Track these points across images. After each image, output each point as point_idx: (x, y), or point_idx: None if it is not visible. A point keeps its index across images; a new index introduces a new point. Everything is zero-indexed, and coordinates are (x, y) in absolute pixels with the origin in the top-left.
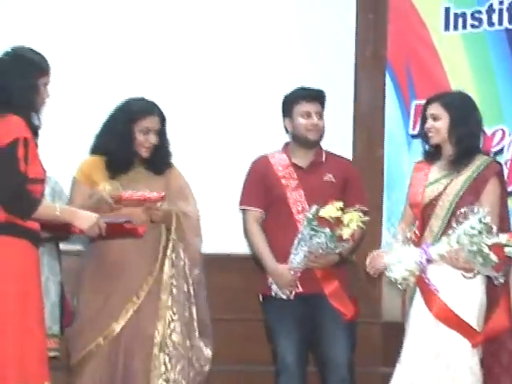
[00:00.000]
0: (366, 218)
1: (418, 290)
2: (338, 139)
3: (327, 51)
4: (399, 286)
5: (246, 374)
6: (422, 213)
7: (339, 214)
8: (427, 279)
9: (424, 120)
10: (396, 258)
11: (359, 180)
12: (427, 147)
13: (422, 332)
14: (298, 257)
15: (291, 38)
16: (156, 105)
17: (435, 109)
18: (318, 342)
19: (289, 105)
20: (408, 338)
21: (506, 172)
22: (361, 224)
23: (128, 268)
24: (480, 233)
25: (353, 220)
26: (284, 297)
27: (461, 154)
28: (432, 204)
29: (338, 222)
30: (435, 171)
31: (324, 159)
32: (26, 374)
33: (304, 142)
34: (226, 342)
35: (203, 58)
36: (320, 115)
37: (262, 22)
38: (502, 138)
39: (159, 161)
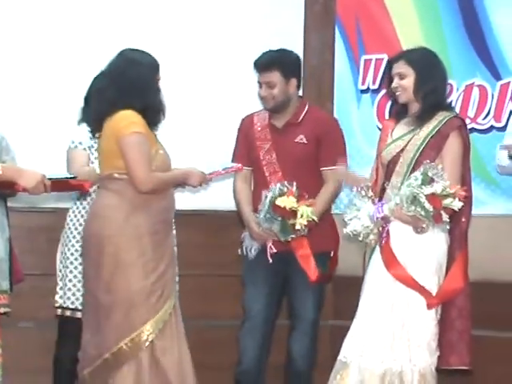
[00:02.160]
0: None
1: (377, 246)
2: None
3: (277, 6)
4: (359, 238)
5: (207, 329)
6: (386, 169)
7: (294, 206)
8: (385, 236)
9: (389, 78)
10: (353, 213)
11: (334, 139)
12: (394, 104)
13: (379, 288)
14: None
15: None
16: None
17: (401, 67)
18: (289, 297)
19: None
20: (365, 293)
21: None
22: (312, 218)
23: None
24: (421, 184)
25: (304, 215)
26: (251, 255)
27: (425, 109)
28: (394, 160)
29: (293, 212)
30: (400, 128)
31: (301, 119)
32: None
33: (265, 109)
34: (187, 298)
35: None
36: (272, 85)
37: None
38: (451, 93)
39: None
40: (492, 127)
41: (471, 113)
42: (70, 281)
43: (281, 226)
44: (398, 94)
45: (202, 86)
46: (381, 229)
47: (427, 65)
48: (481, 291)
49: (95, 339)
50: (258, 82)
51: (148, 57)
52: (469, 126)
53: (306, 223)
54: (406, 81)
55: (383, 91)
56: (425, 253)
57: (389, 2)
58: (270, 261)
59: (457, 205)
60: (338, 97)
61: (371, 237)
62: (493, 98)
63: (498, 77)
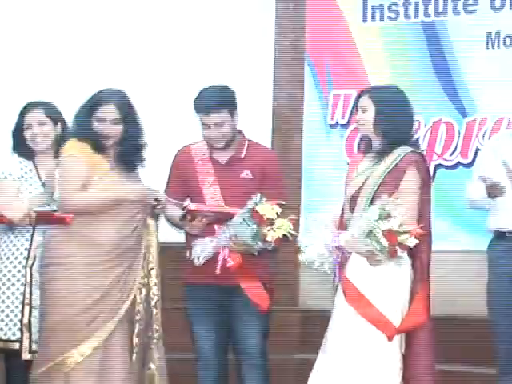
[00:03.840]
0: (280, 210)
1: None
2: (257, 128)
3: (247, 40)
4: (313, 266)
5: (169, 363)
6: (350, 205)
7: (274, 217)
8: (337, 267)
9: (357, 111)
10: (310, 240)
11: (277, 173)
12: (361, 139)
13: (344, 321)
14: (223, 236)
15: (212, 26)
16: (118, 94)
17: (364, 101)
18: (233, 330)
19: (195, 111)
20: (331, 326)
21: None
22: (288, 234)
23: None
24: (378, 219)
25: (281, 227)
26: (198, 262)
27: (385, 145)
28: (356, 195)
29: (269, 223)
30: (365, 162)
31: (244, 154)
32: None
33: (212, 147)
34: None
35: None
36: (220, 124)
37: (186, 11)
38: (418, 129)
39: (125, 157)
40: (459, 163)
41: (438, 149)
42: (3, 311)
43: (253, 233)
44: (359, 127)
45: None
46: (336, 259)
47: (389, 101)
48: (450, 326)
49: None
50: (203, 124)
51: (101, 93)
52: (436, 162)
53: (280, 235)
54: (366, 114)
55: (352, 126)
56: (389, 288)
57: (358, 39)
58: (218, 272)
59: (412, 242)
60: (306, 132)
61: (326, 266)
62: (459, 134)
63: (464, 114)
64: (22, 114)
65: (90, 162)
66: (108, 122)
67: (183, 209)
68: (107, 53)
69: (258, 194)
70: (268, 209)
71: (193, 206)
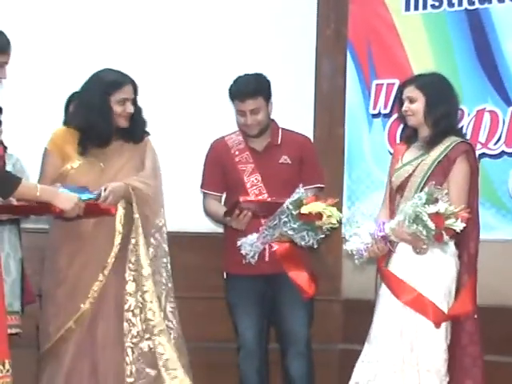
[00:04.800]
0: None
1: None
2: (300, 118)
3: (289, 30)
4: (356, 260)
5: (208, 352)
6: (396, 194)
7: (321, 208)
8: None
9: (400, 102)
10: (354, 230)
11: (314, 157)
12: (405, 129)
13: (389, 312)
14: (268, 234)
15: (254, 17)
16: (126, 74)
17: (411, 91)
18: (279, 318)
19: (230, 99)
20: (376, 317)
21: None
22: (338, 218)
23: (98, 242)
24: (424, 203)
25: (333, 214)
26: (252, 260)
27: (436, 134)
28: (402, 185)
29: (318, 215)
30: (411, 152)
31: (280, 140)
32: None
33: (247, 135)
34: (188, 320)
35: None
36: (256, 111)
37: (224, 2)
38: (462, 118)
39: (137, 129)
40: (503, 152)
41: (482, 138)
42: None
43: (312, 230)
44: (407, 117)
45: (198, 107)
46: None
47: (437, 89)
48: (494, 316)
49: None
50: (238, 111)
51: (112, 75)
52: (480, 151)
53: (335, 222)
54: (415, 105)
55: (394, 116)
56: (435, 278)
57: (400, 27)
58: (267, 259)
59: (459, 225)
60: (349, 121)
61: (365, 254)
62: (504, 123)
63: (509, 102)
64: (68, 104)
65: (64, 153)
66: (129, 101)
67: (234, 204)
68: (125, 46)
69: (300, 191)
70: (312, 205)
71: (248, 198)
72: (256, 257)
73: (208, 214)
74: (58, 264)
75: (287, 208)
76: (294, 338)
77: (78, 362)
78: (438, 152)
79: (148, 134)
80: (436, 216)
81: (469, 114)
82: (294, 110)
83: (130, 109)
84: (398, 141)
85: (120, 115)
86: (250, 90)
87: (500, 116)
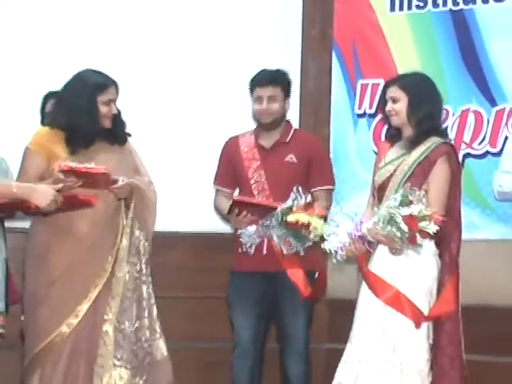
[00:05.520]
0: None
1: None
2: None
3: (275, 31)
4: (333, 259)
5: (203, 351)
6: (378, 194)
7: (307, 220)
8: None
9: (384, 103)
10: (333, 229)
11: (323, 159)
12: (389, 129)
13: (370, 311)
14: (262, 229)
15: (240, 18)
16: (109, 75)
17: (394, 91)
18: (278, 318)
19: (250, 89)
20: (357, 317)
21: None
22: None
23: (97, 243)
24: (398, 205)
25: (317, 228)
26: (250, 250)
27: (419, 134)
28: (384, 185)
29: (305, 225)
30: (394, 151)
31: (289, 139)
32: None
33: (260, 125)
34: (184, 320)
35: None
36: (273, 99)
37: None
38: (446, 118)
39: (120, 130)
40: (487, 152)
41: (467, 138)
42: None
43: (297, 238)
44: (391, 118)
45: (192, 107)
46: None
47: (420, 89)
48: (476, 315)
49: None
50: (257, 97)
51: (97, 77)
52: (464, 151)
53: (318, 234)
54: (398, 105)
55: (380, 116)
56: (415, 278)
57: (385, 28)
58: (265, 252)
59: (432, 228)
60: (334, 121)
61: (342, 253)
62: (488, 123)
63: (493, 103)
64: (43, 104)
65: (47, 153)
66: (113, 102)
67: (232, 203)
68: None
69: (294, 196)
70: (298, 216)
71: (241, 198)
72: (253, 248)
73: (216, 210)
74: (49, 263)
75: (277, 214)
76: (293, 338)
77: (73, 361)
78: (418, 152)
79: (129, 135)
80: (409, 218)
81: (453, 114)
82: None
83: (115, 110)
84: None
85: (105, 116)
86: (271, 77)
87: (484, 116)
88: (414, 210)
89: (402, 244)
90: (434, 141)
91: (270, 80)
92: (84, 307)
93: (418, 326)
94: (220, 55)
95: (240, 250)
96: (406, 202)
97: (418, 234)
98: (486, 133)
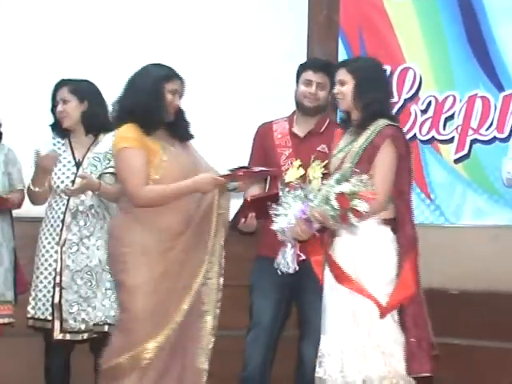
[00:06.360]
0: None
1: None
2: (291, 104)
3: (281, 16)
4: (280, 237)
5: (219, 339)
6: None
7: (301, 172)
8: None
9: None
10: (283, 211)
11: None
12: (341, 113)
13: (338, 299)
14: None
15: (245, 4)
16: (174, 69)
17: (342, 74)
18: (299, 304)
19: (298, 72)
20: (325, 305)
21: (456, 137)
22: (323, 169)
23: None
24: (333, 184)
25: (315, 170)
26: (293, 265)
27: (364, 118)
28: (337, 172)
29: (304, 179)
30: (345, 139)
31: (324, 129)
32: None
33: (301, 108)
34: (232, 308)
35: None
36: (322, 86)
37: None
38: (453, 104)
39: (182, 126)
40: (495, 138)
41: (474, 124)
42: (41, 291)
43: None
44: (338, 101)
45: (206, 94)
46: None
47: (368, 74)
48: (484, 301)
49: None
50: (307, 81)
51: (165, 68)
52: (472, 137)
53: (320, 174)
54: (345, 88)
55: None
56: (374, 267)
57: (392, 14)
58: (297, 268)
59: (363, 206)
60: None
61: (288, 234)
62: (495, 109)
63: (500, 88)
64: (54, 92)
65: (147, 148)
66: (178, 95)
67: (244, 202)
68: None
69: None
70: (291, 173)
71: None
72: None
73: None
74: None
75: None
76: (312, 326)
77: (170, 364)
78: (364, 138)
79: (193, 137)
80: (341, 196)
81: (460, 100)
82: (285, 96)
83: (179, 102)
84: None
85: (170, 104)
86: (326, 64)
87: (492, 102)
88: (345, 187)
89: (335, 222)
90: (379, 124)
91: (323, 67)
92: (188, 300)
93: (382, 316)
94: (227, 43)
95: (267, 238)
96: (341, 180)
97: (350, 213)
98: (493, 118)
